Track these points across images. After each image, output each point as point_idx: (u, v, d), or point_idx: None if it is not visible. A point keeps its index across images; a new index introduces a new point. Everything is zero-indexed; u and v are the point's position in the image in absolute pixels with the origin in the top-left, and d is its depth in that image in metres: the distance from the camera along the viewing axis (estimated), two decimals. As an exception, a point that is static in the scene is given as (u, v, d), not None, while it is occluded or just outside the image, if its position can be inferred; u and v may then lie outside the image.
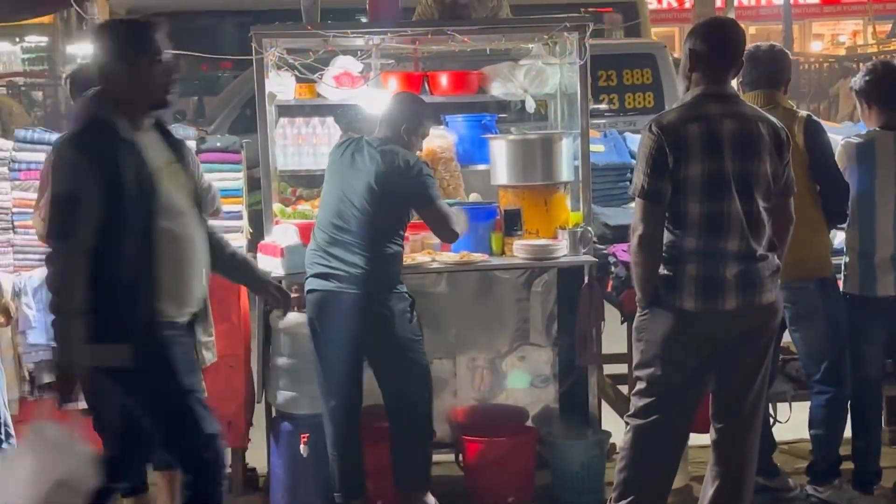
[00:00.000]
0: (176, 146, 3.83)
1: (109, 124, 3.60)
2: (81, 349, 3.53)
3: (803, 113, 4.78)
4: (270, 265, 4.89)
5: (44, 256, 4.65)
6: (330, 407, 4.64)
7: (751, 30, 27.82)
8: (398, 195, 4.60)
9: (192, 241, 3.73)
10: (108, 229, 3.53)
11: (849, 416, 4.90)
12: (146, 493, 4.58)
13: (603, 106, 10.72)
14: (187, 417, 3.69)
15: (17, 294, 4.83)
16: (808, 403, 4.94)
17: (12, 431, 4.35)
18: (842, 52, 25.06)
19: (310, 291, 4.62)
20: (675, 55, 16.09)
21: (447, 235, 4.77)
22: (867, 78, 4.86)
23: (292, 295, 4.86)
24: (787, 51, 4.95)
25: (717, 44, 3.97)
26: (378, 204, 4.57)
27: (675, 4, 27.38)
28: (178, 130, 5.28)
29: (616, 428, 4.88)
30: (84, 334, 3.52)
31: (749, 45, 4.81)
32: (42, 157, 4.79)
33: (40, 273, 4.92)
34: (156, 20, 3.70)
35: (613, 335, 5.29)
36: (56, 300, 3.55)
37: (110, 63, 3.67)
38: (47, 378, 4.84)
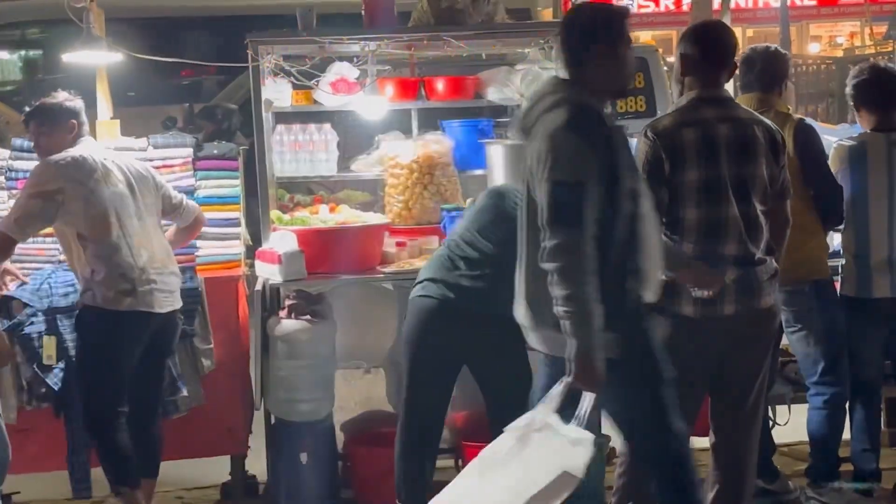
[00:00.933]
0: None
1: (595, 110, 3.60)
2: (601, 336, 3.46)
3: (795, 117, 4.79)
4: (268, 272, 4.89)
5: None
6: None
7: (748, 32, 27.85)
8: None
9: (655, 224, 3.75)
10: (604, 215, 3.50)
11: (847, 417, 4.90)
12: (138, 488, 4.63)
13: None
14: (663, 411, 3.65)
15: (13, 303, 4.83)
16: (807, 406, 4.94)
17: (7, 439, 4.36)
18: (839, 53, 25.06)
19: None
20: (672, 59, 16.05)
21: None
22: (854, 82, 4.88)
23: (289, 302, 4.89)
24: (784, 52, 4.93)
25: (707, 47, 3.97)
26: None
27: (672, 7, 27.43)
28: (174, 138, 5.32)
29: (616, 431, 4.87)
30: (599, 321, 3.46)
31: (745, 48, 4.83)
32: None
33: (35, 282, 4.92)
34: (626, 8, 3.71)
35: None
36: (572, 289, 3.42)
37: (589, 49, 3.64)
38: (44, 387, 4.84)
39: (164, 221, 4.87)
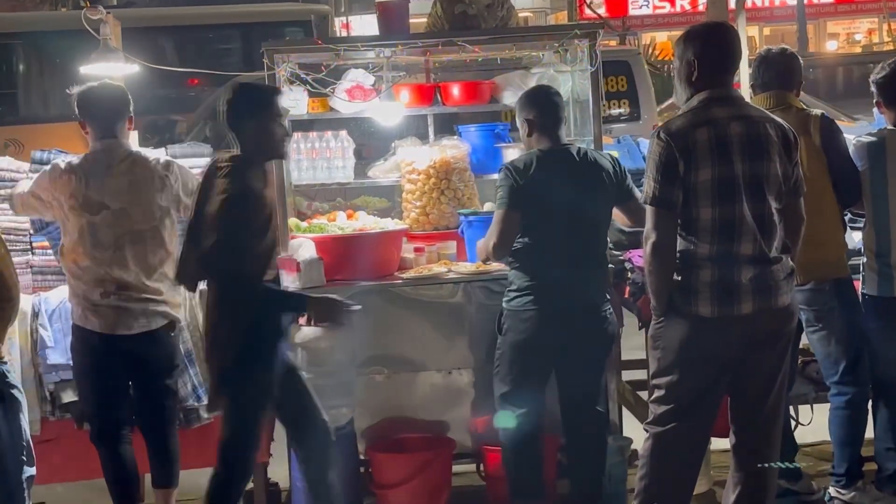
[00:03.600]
0: None
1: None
2: None
3: (817, 112, 4.80)
4: (287, 280, 4.90)
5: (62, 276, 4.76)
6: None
7: (765, 31, 27.80)
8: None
9: None
10: None
11: (871, 417, 4.87)
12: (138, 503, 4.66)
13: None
14: None
15: (35, 315, 4.85)
16: (829, 405, 4.91)
17: (33, 454, 4.37)
18: (857, 50, 24.97)
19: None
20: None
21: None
22: (878, 78, 4.86)
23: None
24: (797, 55, 4.96)
25: (718, 48, 3.97)
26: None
27: (688, 8, 27.41)
28: (192, 148, 5.34)
29: (637, 434, 4.86)
30: None
31: (760, 48, 4.84)
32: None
33: (57, 293, 4.95)
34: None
35: (631, 341, 5.28)
36: None
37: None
38: (67, 398, 4.87)
39: None
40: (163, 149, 5.30)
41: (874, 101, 4.92)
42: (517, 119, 4.71)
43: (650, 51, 20.61)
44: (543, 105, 4.62)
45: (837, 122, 4.92)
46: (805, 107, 4.82)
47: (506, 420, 4.62)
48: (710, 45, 3.96)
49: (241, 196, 3.95)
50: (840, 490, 4.84)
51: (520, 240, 4.51)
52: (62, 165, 4.62)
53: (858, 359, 4.77)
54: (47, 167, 4.70)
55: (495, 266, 5.02)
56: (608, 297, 4.63)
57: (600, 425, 4.70)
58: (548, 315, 4.48)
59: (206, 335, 4.20)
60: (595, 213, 4.58)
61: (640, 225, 4.66)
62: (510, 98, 5.54)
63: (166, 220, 4.63)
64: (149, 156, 4.71)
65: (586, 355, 4.59)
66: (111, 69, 5.43)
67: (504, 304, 4.59)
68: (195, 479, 5.18)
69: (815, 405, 5.15)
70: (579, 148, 4.63)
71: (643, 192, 3.97)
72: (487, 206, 5.49)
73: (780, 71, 4.81)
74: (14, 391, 4.27)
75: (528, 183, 4.45)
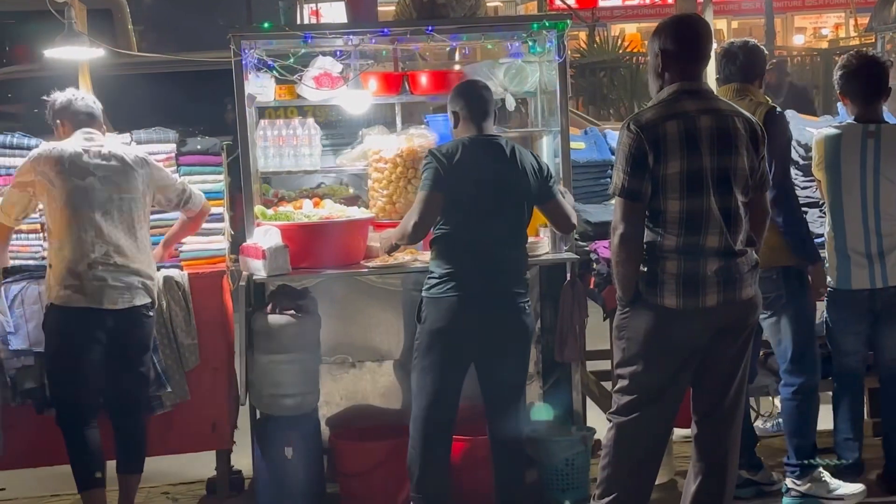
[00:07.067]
0: None
1: None
2: None
3: (767, 104, 4.81)
4: (252, 267, 4.89)
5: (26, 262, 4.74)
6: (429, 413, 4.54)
7: (732, 24, 27.92)
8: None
9: None
10: None
11: (822, 406, 4.90)
12: (102, 488, 4.64)
13: None
14: None
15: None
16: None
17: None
18: (824, 45, 25.11)
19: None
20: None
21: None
22: (840, 72, 4.89)
23: (274, 296, 4.88)
24: (761, 47, 4.96)
25: (687, 41, 3.98)
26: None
27: (657, 0, 27.47)
28: (157, 133, 5.30)
29: (600, 424, 4.89)
30: None
31: (724, 42, 4.86)
32: (19, 162, 4.82)
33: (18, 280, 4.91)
34: None
35: (596, 331, 5.30)
36: None
37: None
38: (28, 384, 4.83)
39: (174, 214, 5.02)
40: (127, 134, 5.27)
41: (837, 91, 4.95)
42: (448, 113, 4.72)
43: (619, 42, 20.62)
44: (470, 97, 4.63)
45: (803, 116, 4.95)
46: (767, 100, 4.83)
47: (419, 409, 4.53)
48: (680, 38, 3.97)
49: None
50: (796, 481, 4.87)
51: (441, 227, 4.50)
52: (45, 147, 4.71)
53: (806, 349, 4.79)
54: (26, 158, 4.73)
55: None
56: (526, 290, 4.55)
57: (519, 424, 4.61)
58: (467, 301, 4.43)
59: None
60: (516, 205, 4.53)
61: (559, 226, 4.72)
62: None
63: (145, 197, 4.74)
64: (124, 149, 4.83)
65: (505, 347, 4.52)
66: (76, 53, 5.38)
67: (424, 293, 4.53)
68: (156, 465, 5.17)
69: (775, 397, 5.19)
70: (507, 140, 4.63)
71: (612, 183, 3.98)
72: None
73: (743, 64, 4.82)
74: None
75: (453, 168, 4.46)
